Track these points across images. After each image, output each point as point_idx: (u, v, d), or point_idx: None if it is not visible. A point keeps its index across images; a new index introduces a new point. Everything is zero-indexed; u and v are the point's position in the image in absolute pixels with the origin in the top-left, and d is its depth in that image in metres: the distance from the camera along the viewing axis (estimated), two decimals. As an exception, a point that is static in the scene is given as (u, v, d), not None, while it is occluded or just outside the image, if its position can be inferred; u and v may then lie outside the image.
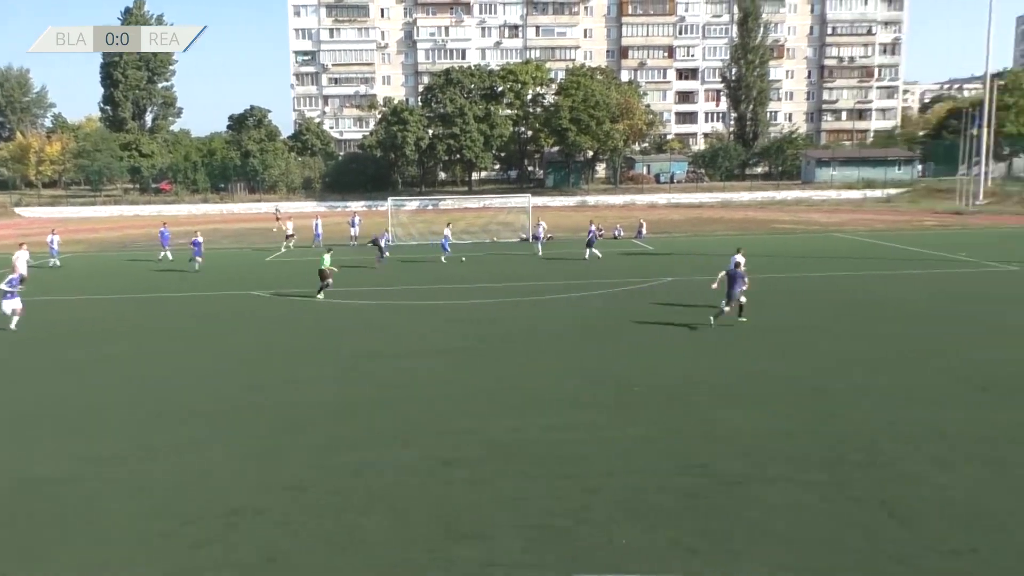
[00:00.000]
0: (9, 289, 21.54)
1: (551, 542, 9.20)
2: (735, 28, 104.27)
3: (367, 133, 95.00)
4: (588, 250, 35.80)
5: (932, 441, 12.13)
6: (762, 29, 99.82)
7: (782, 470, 11.12)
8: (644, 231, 47.04)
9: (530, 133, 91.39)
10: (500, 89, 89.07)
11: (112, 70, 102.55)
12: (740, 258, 21.80)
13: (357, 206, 71.65)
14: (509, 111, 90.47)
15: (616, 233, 46.86)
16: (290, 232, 44.10)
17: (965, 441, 12.11)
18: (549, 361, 17.62)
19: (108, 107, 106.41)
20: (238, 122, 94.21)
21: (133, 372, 17.34)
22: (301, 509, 10.24)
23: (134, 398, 15.29)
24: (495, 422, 13.44)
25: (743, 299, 20.98)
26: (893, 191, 79.52)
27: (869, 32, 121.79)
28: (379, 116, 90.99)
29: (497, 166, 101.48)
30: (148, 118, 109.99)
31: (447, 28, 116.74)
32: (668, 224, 54.59)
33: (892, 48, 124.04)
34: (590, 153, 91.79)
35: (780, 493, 10.35)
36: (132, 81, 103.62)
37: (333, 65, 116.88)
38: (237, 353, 19.07)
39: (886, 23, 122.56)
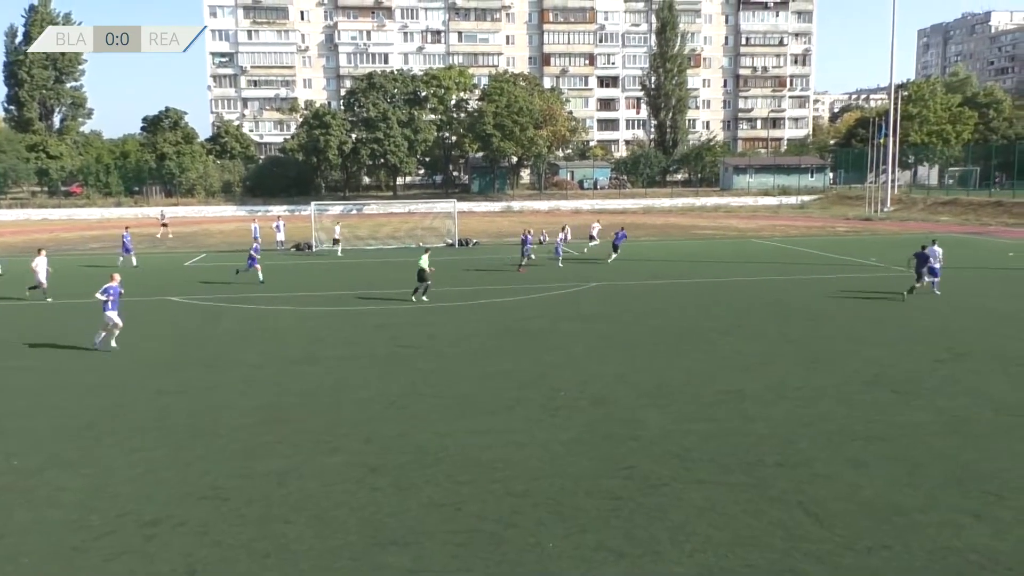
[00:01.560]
0: None
1: (479, 547, 9.23)
2: (654, 37, 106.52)
3: (288, 137, 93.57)
4: (559, 257, 35.75)
5: (846, 441, 12.58)
6: (680, 39, 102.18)
7: (704, 472, 11.38)
8: (568, 237, 47.45)
9: (454, 138, 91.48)
10: (424, 94, 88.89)
11: (16, 69, 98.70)
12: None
13: (279, 210, 70.46)
14: (433, 116, 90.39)
15: (541, 239, 47.15)
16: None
17: (877, 440, 12.59)
18: (477, 366, 17.66)
19: (13, 107, 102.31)
20: (153, 124, 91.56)
21: (47, 382, 16.68)
22: (223, 518, 10.03)
23: (47, 408, 14.71)
24: (422, 428, 13.41)
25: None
26: (807, 198, 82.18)
27: (781, 43, 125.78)
28: (301, 120, 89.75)
29: (422, 171, 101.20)
30: (56, 119, 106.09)
31: (369, 32, 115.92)
32: (601, 230, 55.08)
33: (803, 59, 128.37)
34: (514, 159, 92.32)
35: (703, 494, 10.60)
36: (38, 81, 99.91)
37: (252, 67, 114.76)
38: (155, 359, 18.53)
39: (797, 35, 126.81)
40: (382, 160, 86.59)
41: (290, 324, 23.17)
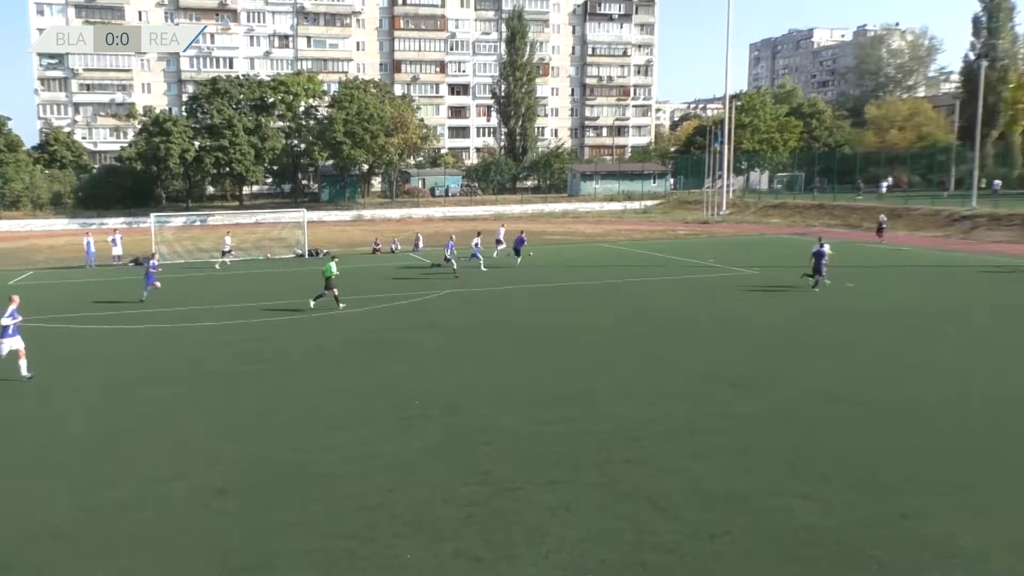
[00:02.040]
0: None
1: (336, 564, 9.10)
2: (504, 46, 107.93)
3: (126, 144, 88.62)
4: (448, 262, 34.99)
5: (688, 435, 13.20)
6: (529, 48, 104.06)
7: (557, 473, 11.66)
8: (421, 244, 47.44)
9: (303, 146, 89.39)
10: (271, 100, 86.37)
11: None
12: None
13: (116, 223, 66.62)
14: (281, 123, 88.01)
15: (393, 247, 46.95)
16: None
17: (717, 433, 13.28)
18: (327, 379, 17.36)
19: None
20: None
21: None
22: (59, 558, 9.43)
23: None
24: (272, 446, 13.06)
25: None
26: (650, 203, 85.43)
27: (625, 54, 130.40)
28: (139, 126, 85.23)
29: (270, 180, 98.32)
30: None
31: (213, 35, 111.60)
32: (444, 237, 55.11)
33: (645, 69, 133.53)
34: (365, 167, 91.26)
35: (556, 495, 10.85)
36: None
37: (84, 70, 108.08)
38: (-24, 389, 17.17)
39: (639, 46, 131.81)
40: (227, 169, 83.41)
41: (127, 344, 22.01)
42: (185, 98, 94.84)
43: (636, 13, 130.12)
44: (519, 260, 37.70)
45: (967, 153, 73.70)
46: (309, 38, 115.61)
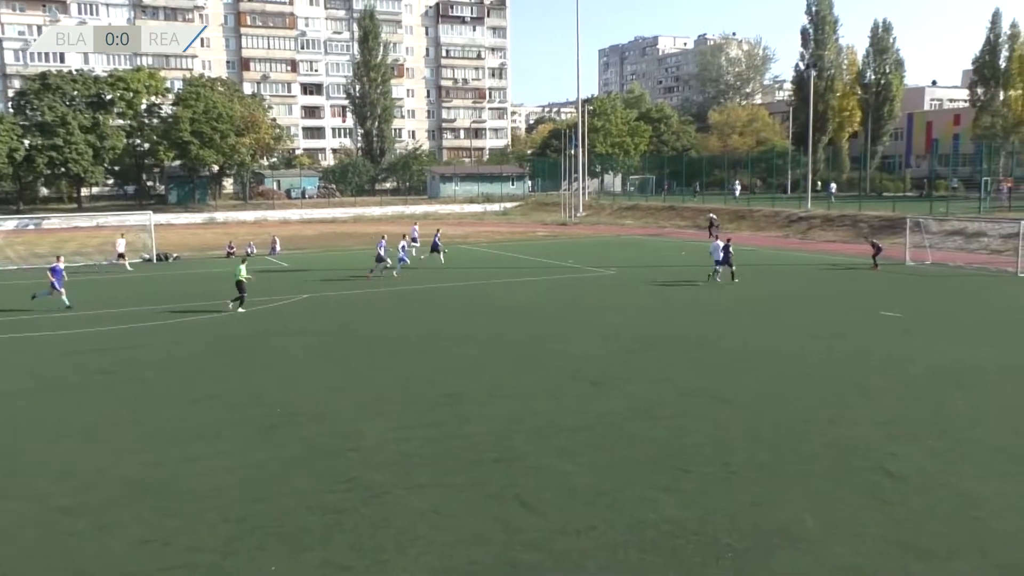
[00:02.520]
0: None
1: (196, 583, 8.73)
2: (356, 46, 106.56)
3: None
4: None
5: (554, 433, 13.45)
6: (382, 48, 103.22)
7: (425, 476, 11.61)
8: (278, 248, 46.15)
9: (147, 146, 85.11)
10: (109, 97, 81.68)
11: None
12: None
13: (-66, 227, 61.30)
14: (122, 122, 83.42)
15: (248, 250, 45.42)
16: None
17: (581, 430, 13.60)
18: (183, 389, 16.60)
19: None
20: None
21: None
22: None
23: None
24: (126, 459, 12.38)
25: None
26: (509, 205, 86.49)
27: (479, 57, 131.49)
28: (-43, 124, 78.71)
29: (111, 181, 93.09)
30: None
31: (40, 27, 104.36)
32: (302, 240, 54.12)
33: (500, 72, 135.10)
34: (216, 168, 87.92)
35: (424, 498, 10.81)
36: None
37: None
38: None
39: (493, 49, 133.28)
40: (62, 169, 78.37)
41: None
42: (12, 94, 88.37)
43: (488, 16, 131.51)
44: (443, 258, 38.21)
45: (801, 157, 78.75)
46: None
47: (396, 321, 24.31)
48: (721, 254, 31.03)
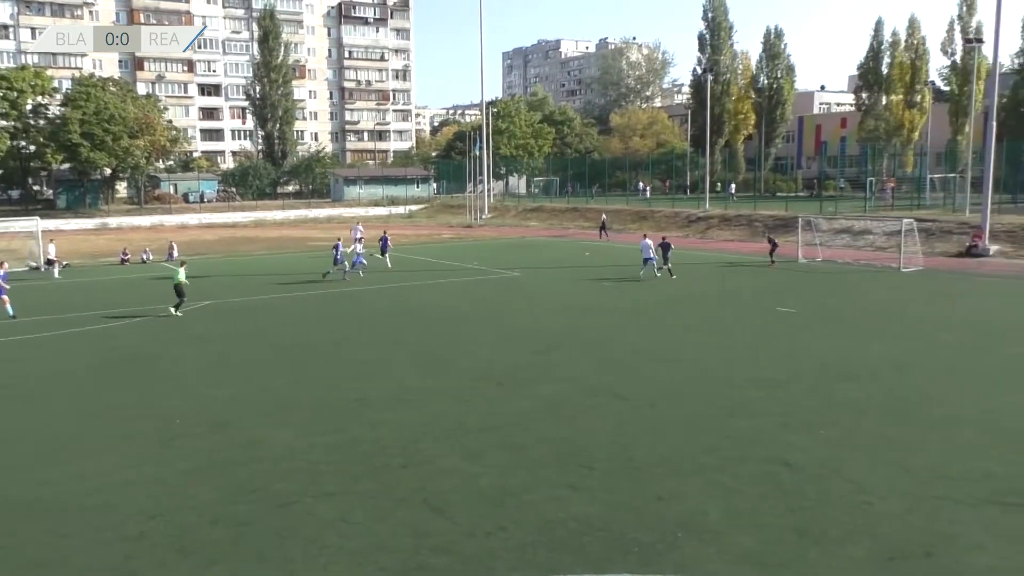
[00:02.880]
0: None
1: (93, 604, 8.41)
2: (256, 46, 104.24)
3: None
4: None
5: (462, 435, 13.48)
6: (283, 49, 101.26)
7: (332, 484, 11.47)
8: (176, 254, 44.67)
9: (33, 148, 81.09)
10: (-10, 97, 77.57)
11: None
12: None
13: None
14: (4, 123, 79.26)
15: (144, 257, 43.90)
16: None
17: (488, 431, 13.67)
18: (76, 403, 15.92)
19: None
20: None
21: None
22: None
23: None
24: (15, 479, 11.81)
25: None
26: (414, 207, 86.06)
27: (382, 58, 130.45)
28: None
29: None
30: None
31: None
32: (201, 245, 52.59)
33: (403, 74, 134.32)
34: (108, 171, 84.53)
35: (332, 506, 10.68)
36: None
37: None
38: None
39: (396, 51, 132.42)
40: (-63, 172, 74.10)
41: None
42: None
43: (392, 18, 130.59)
44: (388, 262, 38.04)
45: (699, 159, 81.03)
46: (33, 29, 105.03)
47: (299, 326, 23.89)
48: (651, 252, 32.21)
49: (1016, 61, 74.14)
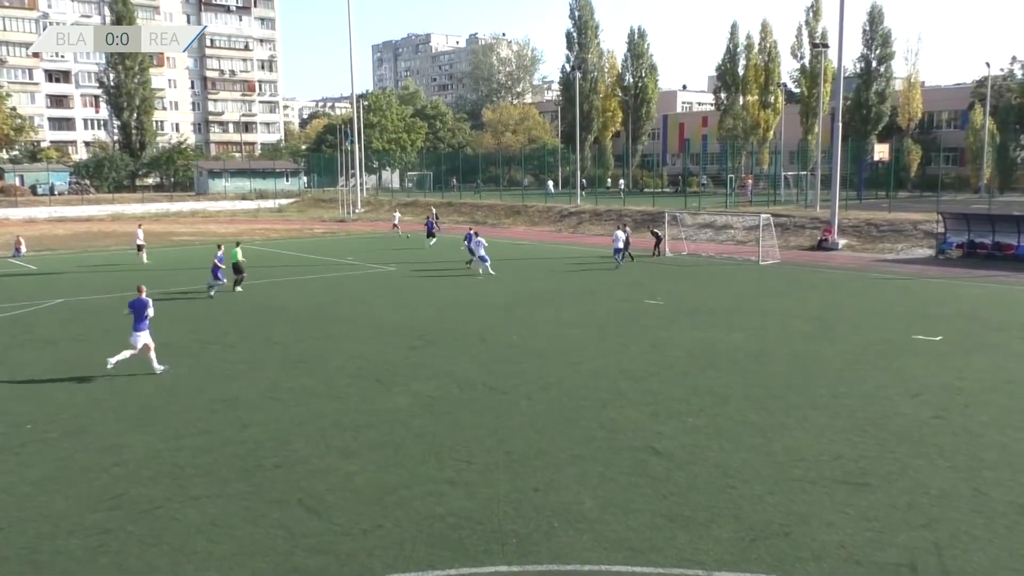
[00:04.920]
0: None
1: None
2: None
3: None
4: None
5: (338, 433, 13.24)
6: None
7: (200, 487, 11.05)
8: (23, 249, 41.90)
9: None
10: None
11: None
12: None
13: None
14: None
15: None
16: None
17: (365, 429, 13.48)
18: (-91, 413, 14.69)
19: None
20: None
21: None
22: None
23: None
24: None
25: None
26: (284, 201, 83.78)
27: (247, 48, 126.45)
28: None
29: None
30: None
31: None
32: (52, 240, 49.49)
33: (269, 65, 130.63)
34: (-57, 161, 78.43)
35: (200, 511, 10.28)
36: None
37: None
38: None
39: (262, 40, 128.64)
40: None
41: None
42: None
43: (255, 6, 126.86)
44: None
45: (570, 155, 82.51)
46: None
47: (161, 325, 22.80)
48: (620, 243, 34.28)
49: (858, 66, 78.96)
